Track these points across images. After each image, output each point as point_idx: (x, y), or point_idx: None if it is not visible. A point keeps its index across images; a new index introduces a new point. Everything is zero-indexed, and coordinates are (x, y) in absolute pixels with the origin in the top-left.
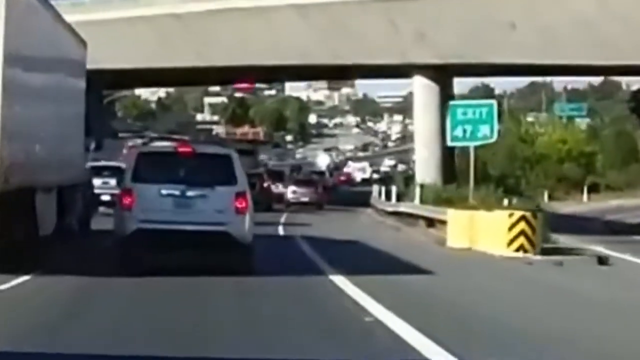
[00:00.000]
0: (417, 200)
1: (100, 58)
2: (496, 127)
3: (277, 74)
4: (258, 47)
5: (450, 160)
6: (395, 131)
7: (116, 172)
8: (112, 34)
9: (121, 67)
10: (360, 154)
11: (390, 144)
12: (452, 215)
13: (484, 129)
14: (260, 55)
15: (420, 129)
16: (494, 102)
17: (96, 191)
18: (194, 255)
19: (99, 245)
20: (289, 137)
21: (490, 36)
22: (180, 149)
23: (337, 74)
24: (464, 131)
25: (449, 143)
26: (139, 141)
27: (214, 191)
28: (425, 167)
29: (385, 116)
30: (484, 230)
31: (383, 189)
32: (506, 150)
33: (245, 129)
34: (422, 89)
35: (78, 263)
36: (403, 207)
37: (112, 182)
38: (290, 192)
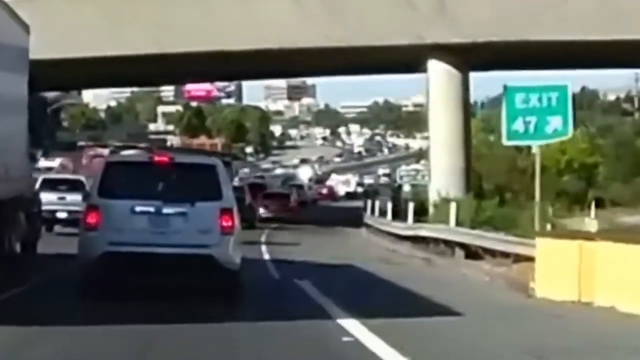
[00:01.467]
0: (452, 222)
1: (34, 46)
2: (571, 119)
3: (254, 64)
4: (230, 28)
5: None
6: (358, 143)
7: (75, 185)
8: (49, 15)
9: (60, 56)
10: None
11: (337, 158)
12: (545, 247)
13: (555, 122)
14: (234, 38)
15: (437, 128)
16: (567, 84)
17: (51, 207)
18: (172, 284)
19: (46, 274)
20: (249, 149)
21: (534, 5)
22: (156, 158)
23: (329, 64)
24: (526, 125)
25: (505, 142)
26: (104, 151)
27: (195, 208)
28: (445, 177)
29: (356, 128)
30: (612, 274)
31: (380, 204)
32: (506, 161)
33: (202, 139)
34: (440, 77)
35: (12, 303)
36: (427, 231)
37: (70, 197)
38: (262, 206)
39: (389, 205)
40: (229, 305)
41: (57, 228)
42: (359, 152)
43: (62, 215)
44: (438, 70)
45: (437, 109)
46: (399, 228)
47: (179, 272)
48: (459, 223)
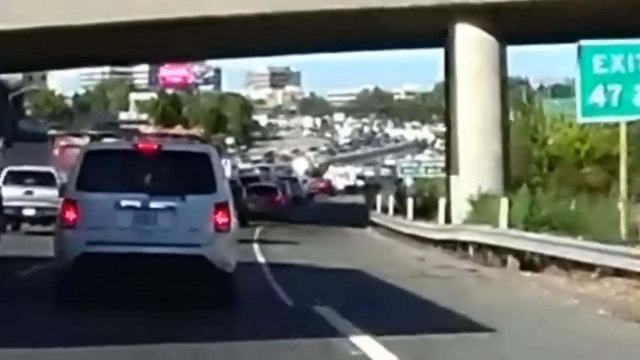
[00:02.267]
0: (503, 223)
1: None
2: None
3: (240, 35)
4: None
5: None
6: (344, 134)
7: (44, 178)
8: None
9: (16, 27)
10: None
11: (310, 152)
12: None
13: None
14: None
15: (466, 109)
16: None
17: (16, 203)
18: (158, 289)
19: (6, 281)
20: (229, 140)
21: None
22: (142, 146)
23: (329, 35)
24: (608, 95)
25: (580, 119)
26: (77, 140)
27: (186, 202)
28: (478, 168)
29: (341, 117)
30: None
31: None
32: (520, 152)
33: (178, 129)
34: (470, 45)
35: None
36: (469, 234)
37: (38, 191)
38: (250, 201)
39: (409, 202)
40: (223, 318)
41: (26, 226)
42: (338, 145)
43: (29, 212)
44: (468, 36)
45: (466, 84)
46: (426, 230)
47: (166, 275)
48: (510, 224)
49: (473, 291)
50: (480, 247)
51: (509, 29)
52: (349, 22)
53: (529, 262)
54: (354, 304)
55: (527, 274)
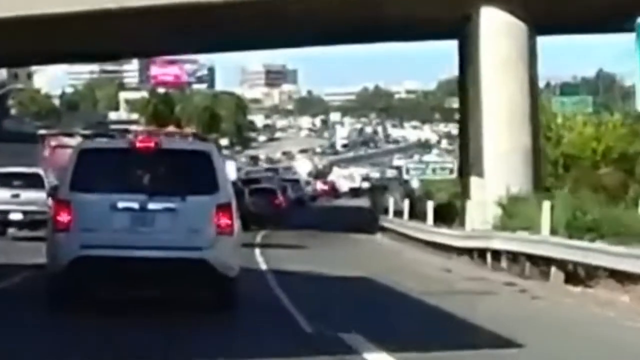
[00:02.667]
0: (545, 230)
1: None
2: None
3: (236, 24)
4: None
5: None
6: (341, 135)
7: (32, 180)
8: None
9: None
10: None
11: (299, 154)
12: None
13: None
14: None
15: (492, 101)
16: None
17: (2, 207)
18: (157, 296)
19: None
20: (224, 141)
21: None
22: (139, 145)
23: (334, 24)
24: None
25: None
26: (69, 140)
27: (186, 203)
28: (506, 166)
29: (338, 117)
30: None
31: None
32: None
33: (171, 129)
34: (497, 30)
35: None
36: (504, 242)
37: (25, 194)
38: (250, 203)
39: (429, 205)
40: (224, 331)
41: (13, 232)
42: (333, 146)
43: (16, 216)
44: (495, 21)
45: (492, 74)
46: (450, 236)
47: (165, 280)
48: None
49: (519, 310)
50: (514, 256)
51: (539, 15)
52: (355, 8)
53: (573, 274)
54: (377, 324)
55: (577, 288)
